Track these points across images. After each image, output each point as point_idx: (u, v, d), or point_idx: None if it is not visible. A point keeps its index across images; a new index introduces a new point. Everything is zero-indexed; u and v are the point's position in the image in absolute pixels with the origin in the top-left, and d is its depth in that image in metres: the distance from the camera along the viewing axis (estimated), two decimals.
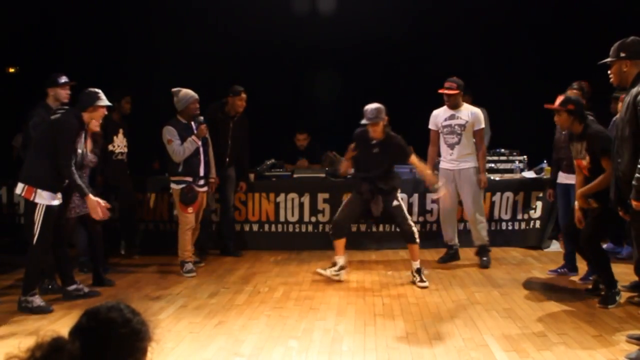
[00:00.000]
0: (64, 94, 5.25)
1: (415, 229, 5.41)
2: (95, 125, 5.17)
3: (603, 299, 4.61)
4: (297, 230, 6.95)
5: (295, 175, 7.03)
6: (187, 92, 5.81)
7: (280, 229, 6.96)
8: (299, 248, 6.81)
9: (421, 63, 7.70)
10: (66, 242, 5.26)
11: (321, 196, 6.88)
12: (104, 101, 4.80)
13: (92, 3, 7.71)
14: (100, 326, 1.62)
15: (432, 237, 6.71)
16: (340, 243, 5.51)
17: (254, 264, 6.27)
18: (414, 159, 5.36)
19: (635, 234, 3.59)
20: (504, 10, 7.44)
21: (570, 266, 5.53)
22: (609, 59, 3.78)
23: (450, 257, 6.23)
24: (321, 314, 4.54)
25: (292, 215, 6.94)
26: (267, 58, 7.87)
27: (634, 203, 3.45)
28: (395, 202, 5.37)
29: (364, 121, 5.26)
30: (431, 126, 6.18)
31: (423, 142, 6.35)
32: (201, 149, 5.86)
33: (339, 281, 5.43)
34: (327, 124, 7.65)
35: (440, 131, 6.10)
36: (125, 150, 6.40)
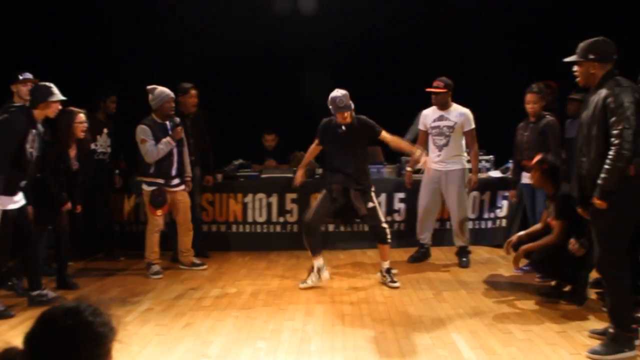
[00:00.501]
0: (25, 90, 5.12)
1: (388, 230, 5.33)
2: (80, 131, 5.08)
3: (570, 296, 4.70)
4: (265, 230, 6.91)
5: (263, 176, 6.99)
6: (162, 90, 5.68)
7: (248, 230, 6.91)
8: (267, 249, 6.77)
9: (398, 63, 7.73)
10: (39, 244, 5.10)
11: (289, 196, 6.86)
12: (57, 96, 4.62)
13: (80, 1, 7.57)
14: (55, 333, 1.48)
15: (399, 236, 6.73)
16: (312, 243, 5.29)
17: (221, 265, 6.21)
18: (385, 134, 5.23)
19: (595, 232, 3.65)
20: (478, 9, 7.51)
21: None
22: (576, 58, 3.68)
23: (422, 255, 6.24)
24: (289, 314, 4.52)
25: (260, 215, 6.90)
26: (237, 58, 7.78)
27: (597, 202, 3.50)
28: (370, 204, 5.24)
29: (336, 109, 5.08)
30: (420, 126, 6.13)
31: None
32: (175, 150, 5.75)
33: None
34: (295, 125, 7.63)
35: (428, 132, 6.04)
36: (108, 150, 6.36)
